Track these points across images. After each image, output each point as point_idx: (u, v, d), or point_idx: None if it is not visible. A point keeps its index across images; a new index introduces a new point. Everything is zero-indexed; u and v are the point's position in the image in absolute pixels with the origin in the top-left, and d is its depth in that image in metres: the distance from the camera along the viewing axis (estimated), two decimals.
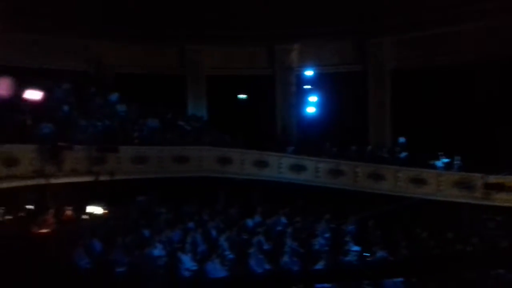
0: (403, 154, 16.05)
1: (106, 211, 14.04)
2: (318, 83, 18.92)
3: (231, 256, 11.33)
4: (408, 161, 15.62)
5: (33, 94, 13.25)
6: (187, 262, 10.75)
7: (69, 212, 13.21)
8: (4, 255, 9.39)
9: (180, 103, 19.01)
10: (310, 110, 18.76)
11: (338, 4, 17.45)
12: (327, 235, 13.17)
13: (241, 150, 15.90)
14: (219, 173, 15.48)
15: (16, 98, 13.36)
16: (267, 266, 11.06)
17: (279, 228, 13.55)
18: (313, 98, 18.79)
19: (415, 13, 17.25)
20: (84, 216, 13.71)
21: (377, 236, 13.14)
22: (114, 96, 16.53)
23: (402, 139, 16.79)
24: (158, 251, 10.94)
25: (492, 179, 13.67)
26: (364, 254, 11.81)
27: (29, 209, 13.18)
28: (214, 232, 12.68)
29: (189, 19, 17.88)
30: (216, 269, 10.52)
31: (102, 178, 13.39)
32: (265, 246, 12.11)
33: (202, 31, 18.55)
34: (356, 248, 11.98)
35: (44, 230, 11.99)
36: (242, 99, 20.10)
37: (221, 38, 18.94)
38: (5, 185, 11.44)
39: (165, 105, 16.98)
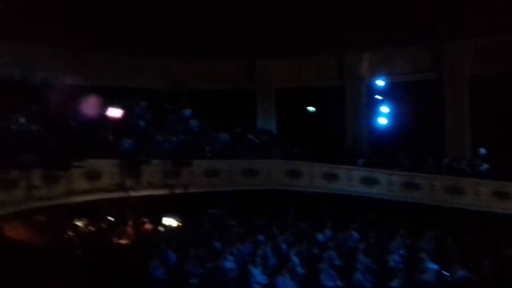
0: (484, 167, 15.10)
1: (180, 223, 14.57)
2: (390, 93, 18.42)
3: (301, 271, 11.24)
4: (490, 174, 14.66)
5: (114, 112, 14.13)
6: (258, 275, 10.80)
7: (146, 223, 13.85)
8: (87, 265, 10.03)
9: (250, 116, 19.36)
10: (382, 121, 18.29)
11: (409, 10, 16.88)
12: (402, 251, 12.64)
13: (311, 163, 15.81)
14: (288, 186, 15.50)
15: (100, 115, 14.30)
16: (339, 282, 10.84)
17: (351, 243, 13.24)
18: (384, 109, 18.32)
19: (494, 15, 16.25)
20: (160, 228, 14.31)
21: (457, 254, 12.38)
22: (187, 112, 17.20)
23: (482, 150, 15.81)
24: (229, 263, 11.11)
25: None
26: (442, 272, 11.19)
27: (110, 221, 13.98)
28: (284, 246, 12.66)
29: (257, 34, 18.18)
30: (287, 283, 10.46)
31: (176, 191, 13.87)
32: (336, 262, 11.86)
33: (271, 45, 18.77)
34: (433, 266, 11.38)
35: (123, 241, 12.68)
36: (311, 111, 20.04)
37: (289, 50, 19.07)
38: (88, 198, 12.19)
39: (235, 119, 17.35)
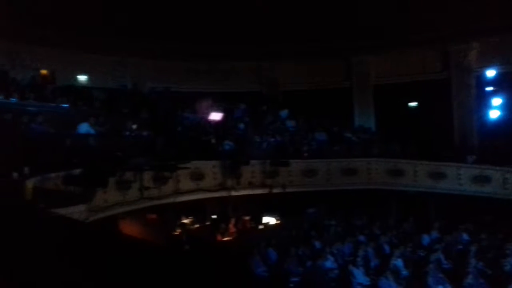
0: None
1: (279, 222, 14.80)
2: (502, 84, 16.92)
3: (405, 273, 10.77)
4: None
5: (215, 116, 14.79)
6: (359, 276, 10.57)
7: (247, 222, 14.29)
8: (192, 260, 10.60)
9: (347, 115, 19.00)
10: (494, 114, 16.87)
11: None
12: None
13: (414, 161, 15.07)
14: (389, 186, 14.93)
15: (204, 120, 15.06)
16: (448, 286, 10.18)
17: (460, 245, 12.40)
18: (497, 101, 16.88)
19: None
20: (260, 226, 14.67)
21: None
22: (284, 113, 17.39)
23: None
24: (329, 263, 11.04)
25: None
26: None
27: (214, 219, 14.64)
28: (386, 247, 12.25)
29: (353, 31, 17.78)
30: (390, 285, 10.08)
31: (275, 190, 14.10)
32: (445, 265, 11.20)
33: (368, 41, 18.25)
34: None
35: (226, 238, 13.22)
36: (413, 107, 19.11)
37: (388, 45, 18.42)
38: (193, 197, 12.87)
39: (332, 118, 17.15)
